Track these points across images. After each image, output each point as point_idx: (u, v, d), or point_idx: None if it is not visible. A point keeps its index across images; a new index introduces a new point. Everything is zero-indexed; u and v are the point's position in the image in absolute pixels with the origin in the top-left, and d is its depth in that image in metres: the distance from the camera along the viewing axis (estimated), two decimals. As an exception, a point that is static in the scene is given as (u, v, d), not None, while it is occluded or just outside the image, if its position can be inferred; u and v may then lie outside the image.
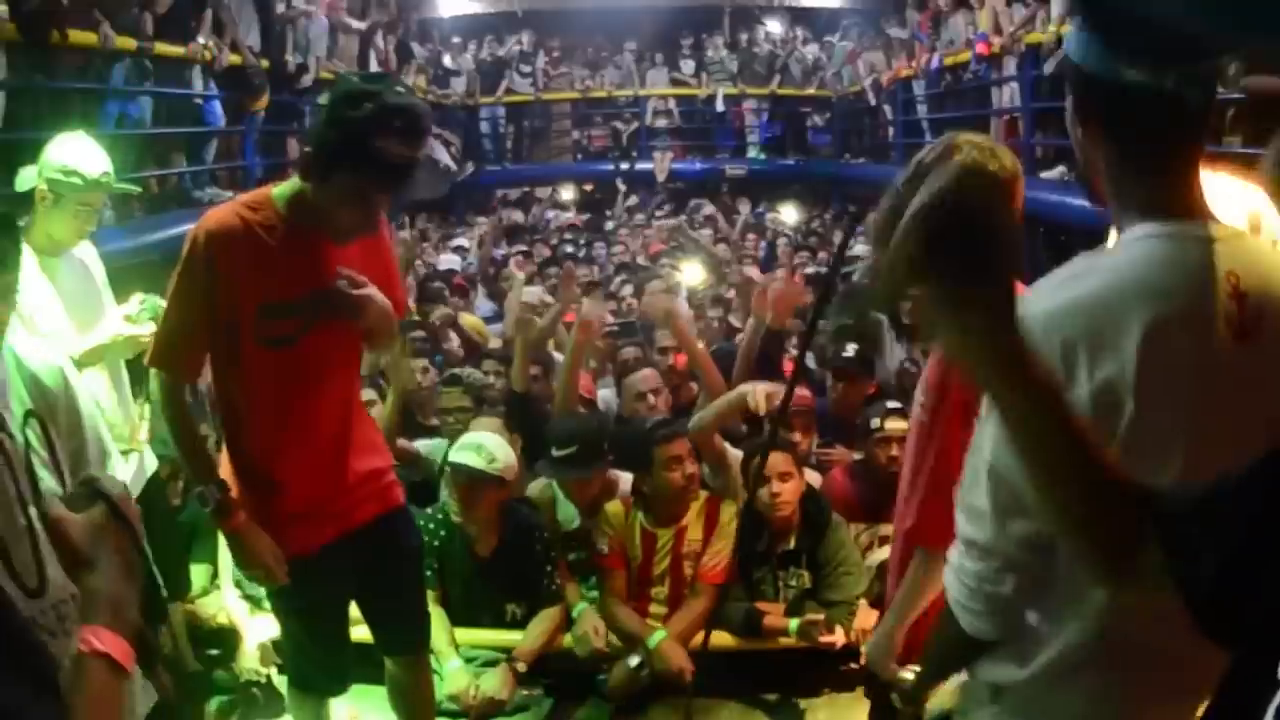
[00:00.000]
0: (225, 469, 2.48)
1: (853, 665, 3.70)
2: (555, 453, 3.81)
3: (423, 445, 4.32)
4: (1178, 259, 1.30)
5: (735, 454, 3.96)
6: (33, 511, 1.45)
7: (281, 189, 2.40)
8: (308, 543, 2.48)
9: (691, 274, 7.13)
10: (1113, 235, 1.46)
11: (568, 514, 3.94)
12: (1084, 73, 1.34)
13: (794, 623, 3.56)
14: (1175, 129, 1.34)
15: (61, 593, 1.48)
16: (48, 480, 1.71)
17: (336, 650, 2.67)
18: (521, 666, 3.49)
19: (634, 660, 3.51)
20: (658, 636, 3.49)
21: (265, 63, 8.34)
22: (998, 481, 1.32)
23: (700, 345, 4.55)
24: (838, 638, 3.53)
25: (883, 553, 3.90)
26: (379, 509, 2.59)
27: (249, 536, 2.42)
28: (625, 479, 3.98)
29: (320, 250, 2.37)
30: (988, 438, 1.33)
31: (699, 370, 4.40)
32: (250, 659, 3.49)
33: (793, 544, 3.71)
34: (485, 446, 3.56)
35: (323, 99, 8.60)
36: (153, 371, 2.47)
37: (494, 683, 3.42)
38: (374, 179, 2.26)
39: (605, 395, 5.01)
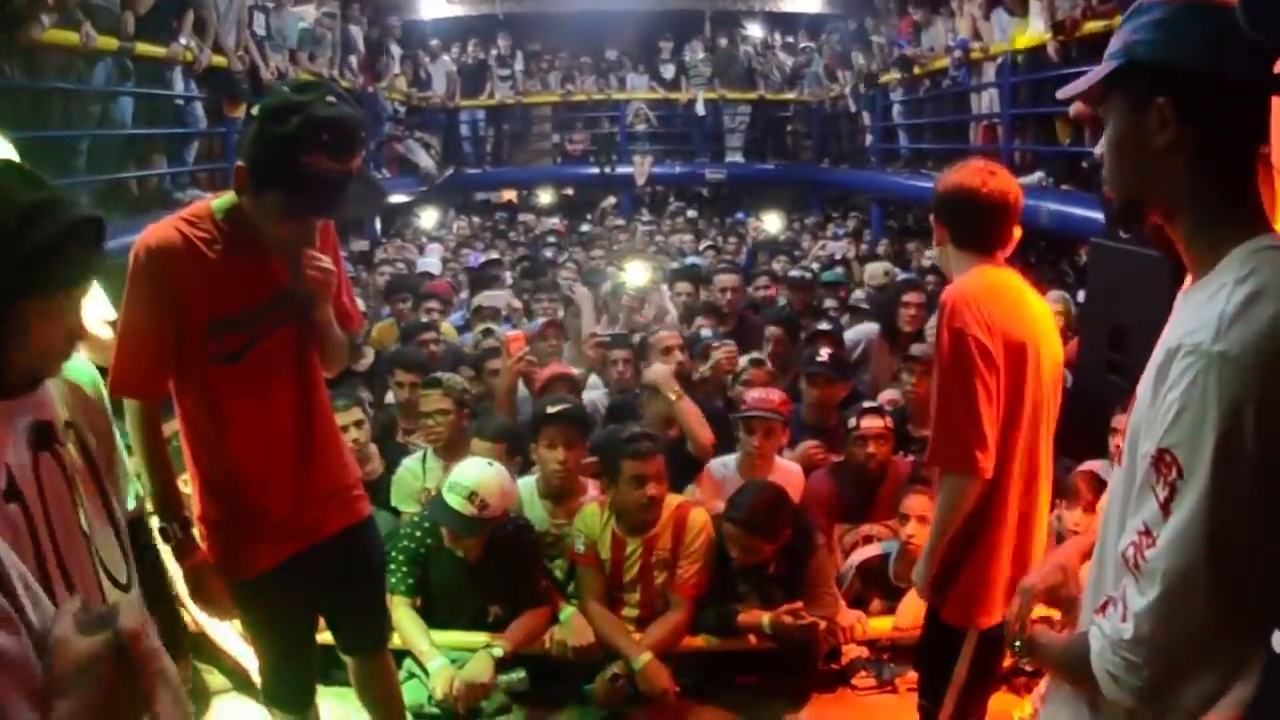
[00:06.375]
0: (192, 484, 2.47)
1: (833, 666, 3.74)
2: (550, 409, 3.89)
3: None
4: None
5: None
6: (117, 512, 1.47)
7: (221, 201, 2.36)
8: (274, 557, 2.46)
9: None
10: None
11: (536, 515, 3.93)
12: (1186, 72, 1.31)
13: (766, 618, 3.56)
14: (1260, 129, 1.33)
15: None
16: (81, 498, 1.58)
17: (302, 665, 2.65)
18: (498, 651, 3.47)
19: (613, 672, 3.51)
20: (643, 659, 3.47)
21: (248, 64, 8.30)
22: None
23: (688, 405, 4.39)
24: (816, 620, 3.55)
25: (866, 551, 3.95)
26: (345, 522, 2.58)
27: (204, 575, 2.42)
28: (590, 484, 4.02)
29: (263, 262, 2.35)
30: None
31: (687, 431, 4.33)
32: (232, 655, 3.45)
33: (772, 569, 3.72)
34: (479, 493, 3.48)
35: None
36: (125, 402, 2.33)
37: (474, 668, 3.42)
38: (304, 196, 2.22)
39: (593, 398, 5.01)
